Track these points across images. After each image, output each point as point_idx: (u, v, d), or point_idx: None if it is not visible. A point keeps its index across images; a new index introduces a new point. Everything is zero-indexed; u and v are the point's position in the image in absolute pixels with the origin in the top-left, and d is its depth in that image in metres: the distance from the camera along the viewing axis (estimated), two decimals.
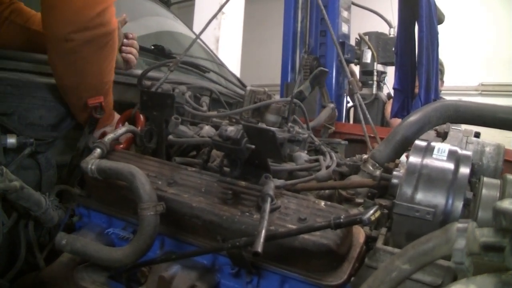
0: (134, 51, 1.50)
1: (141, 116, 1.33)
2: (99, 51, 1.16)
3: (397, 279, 0.59)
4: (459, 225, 0.57)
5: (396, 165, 1.02)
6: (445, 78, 3.45)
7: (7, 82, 1.13)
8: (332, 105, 1.81)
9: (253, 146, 0.95)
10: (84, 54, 1.14)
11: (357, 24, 3.30)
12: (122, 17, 1.45)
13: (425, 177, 0.83)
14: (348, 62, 2.93)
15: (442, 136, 1.21)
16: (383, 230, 0.92)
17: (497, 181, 0.86)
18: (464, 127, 1.30)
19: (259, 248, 0.75)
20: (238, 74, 3.60)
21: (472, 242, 0.55)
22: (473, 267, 0.55)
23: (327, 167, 1.18)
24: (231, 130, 0.93)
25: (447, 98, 3.11)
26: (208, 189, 1.01)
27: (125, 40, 1.46)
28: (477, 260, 0.56)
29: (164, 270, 0.96)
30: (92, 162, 1.03)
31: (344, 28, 2.89)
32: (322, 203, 0.95)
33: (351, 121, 3.25)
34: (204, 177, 1.05)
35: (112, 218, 1.14)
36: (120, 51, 1.45)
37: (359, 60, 3.30)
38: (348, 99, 3.03)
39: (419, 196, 0.82)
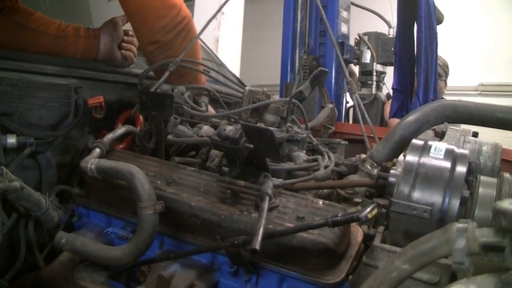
0: (134, 48, 1.51)
1: (140, 116, 1.34)
2: (185, 35, 1.45)
3: (397, 279, 0.59)
4: (459, 225, 0.57)
5: (394, 164, 1.03)
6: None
7: (7, 82, 1.14)
8: (331, 105, 1.81)
9: (251, 146, 0.95)
10: (176, 43, 1.43)
11: (357, 24, 3.31)
12: (123, 16, 1.46)
13: (422, 176, 0.84)
14: (348, 62, 2.93)
15: (440, 136, 1.21)
16: (381, 229, 0.92)
17: (494, 180, 0.86)
18: (463, 127, 1.30)
19: (257, 245, 0.75)
20: (237, 74, 3.60)
21: (472, 242, 0.55)
22: (473, 267, 0.55)
23: (326, 166, 1.18)
24: (229, 129, 0.94)
25: (447, 98, 3.12)
26: (207, 189, 1.02)
27: (125, 37, 1.47)
28: (477, 260, 0.56)
29: (163, 269, 0.96)
30: (92, 162, 1.04)
31: (344, 28, 2.89)
32: (321, 202, 0.95)
33: (351, 121, 3.26)
34: (203, 177, 1.06)
35: (111, 218, 1.14)
36: (120, 48, 1.46)
37: (358, 60, 3.31)
38: (348, 99, 3.03)
39: (416, 194, 0.82)
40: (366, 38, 3.27)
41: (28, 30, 1.35)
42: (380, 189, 1.08)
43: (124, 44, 1.48)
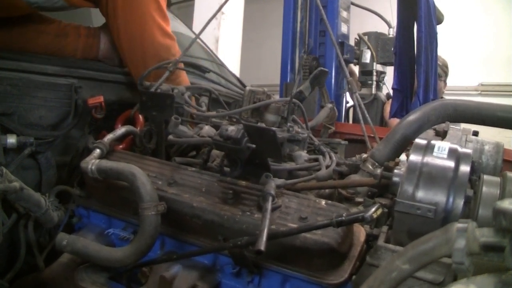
0: None
1: (141, 117, 1.33)
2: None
3: (397, 279, 0.59)
4: (459, 225, 0.57)
5: (397, 164, 1.02)
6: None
7: (7, 82, 1.13)
8: (330, 105, 1.81)
9: (253, 146, 0.95)
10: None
11: (357, 24, 3.30)
12: None
13: (426, 175, 0.83)
14: (348, 62, 2.93)
15: (441, 135, 1.21)
16: (385, 228, 0.92)
17: (497, 179, 0.86)
18: (463, 126, 1.30)
19: (262, 246, 0.75)
20: (237, 74, 3.60)
21: (472, 242, 0.55)
22: (473, 267, 0.55)
23: (327, 166, 1.18)
24: (232, 129, 0.93)
25: (447, 98, 3.11)
26: (208, 189, 1.01)
27: None
28: (477, 260, 0.56)
29: (165, 270, 0.96)
30: (92, 163, 1.03)
31: (344, 28, 2.89)
32: (323, 202, 0.95)
33: (351, 121, 3.25)
34: (204, 177, 1.05)
35: (112, 219, 1.14)
36: None
37: (358, 60, 3.30)
38: (348, 99, 3.03)
39: (420, 194, 0.82)
40: (366, 38, 3.26)
41: (28, 30, 1.34)
42: (382, 188, 1.08)
43: None
